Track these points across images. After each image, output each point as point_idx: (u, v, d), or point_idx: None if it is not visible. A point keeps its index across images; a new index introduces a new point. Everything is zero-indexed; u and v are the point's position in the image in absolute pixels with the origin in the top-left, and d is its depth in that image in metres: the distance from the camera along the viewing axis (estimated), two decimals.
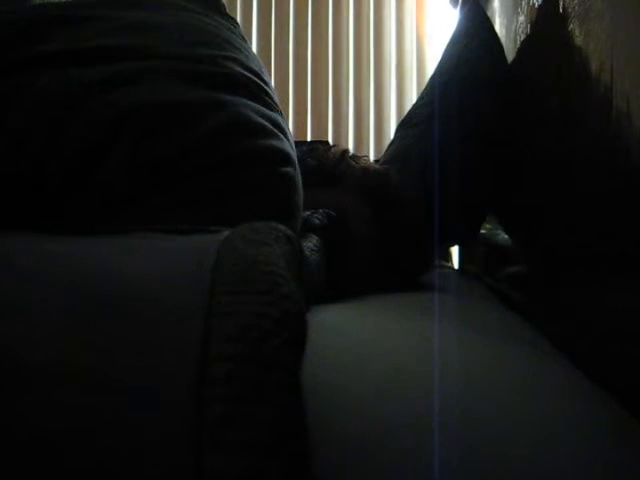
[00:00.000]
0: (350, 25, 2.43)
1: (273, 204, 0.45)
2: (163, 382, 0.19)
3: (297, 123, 2.39)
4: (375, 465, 0.26)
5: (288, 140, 0.48)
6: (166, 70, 0.45)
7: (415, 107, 1.04)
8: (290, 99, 2.41)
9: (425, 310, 0.60)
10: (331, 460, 0.25)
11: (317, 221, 0.66)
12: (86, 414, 0.17)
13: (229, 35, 0.52)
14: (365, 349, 0.40)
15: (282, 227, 0.27)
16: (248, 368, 0.19)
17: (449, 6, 1.71)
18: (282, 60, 2.42)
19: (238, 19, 2.37)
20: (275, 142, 0.45)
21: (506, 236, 0.95)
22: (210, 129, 0.42)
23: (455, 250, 1.50)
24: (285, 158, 0.46)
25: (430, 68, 2.20)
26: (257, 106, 0.46)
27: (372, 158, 1.14)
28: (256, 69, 0.50)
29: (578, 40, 0.57)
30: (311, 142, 0.88)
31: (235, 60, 0.49)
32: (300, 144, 0.77)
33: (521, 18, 0.85)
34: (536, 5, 0.76)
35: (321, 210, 0.68)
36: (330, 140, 2.26)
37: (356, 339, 0.43)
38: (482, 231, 1.06)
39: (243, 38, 0.55)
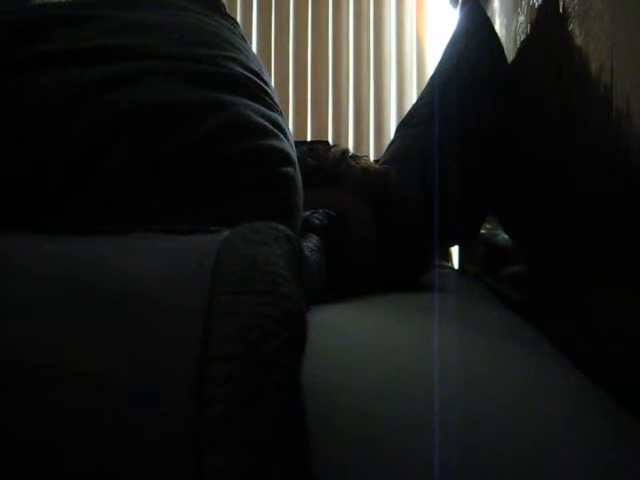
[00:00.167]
0: (350, 25, 2.43)
1: (273, 204, 0.45)
2: (163, 382, 0.19)
3: (297, 123, 2.38)
4: (375, 465, 0.26)
5: (288, 140, 0.48)
6: (166, 70, 0.45)
7: (415, 107, 1.04)
8: (290, 99, 2.41)
9: (425, 310, 0.60)
10: (331, 460, 0.25)
11: (317, 221, 0.66)
12: (86, 414, 0.17)
13: (229, 35, 0.52)
14: (365, 349, 0.40)
15: (282, 227, 0.27)
16: (248, 368, 0.19)
17: (449, 6, 1.71)
18: (282, 60, 2.42)
19: (238, 19, 2.37)
20: (275, 142, 0.45)
21: (506, 236, 0.95)
22: (210, 129, 0.42)
23: (455, 250, 1.50)
24: (285, 158, 0.46)
25: (430, 68, 2.20)
26: (257, 106, 0.46)
27: (372, 158, 1.14)
28: (256, 69, 0.50)
29: (578, 40, 0.57)
30: (311, 142, 0.88)
31: (235, 60, 0.49)
32: (300, 144, 0.77)
33: (521, 18, 0.85)
34: (536, 5, 0.76)
35: (321, 210, 0.68)
36: (330, 140, 2.26)
37: (356, 339, 0.43)
38: (482, 231, 1.06)
39: (243, 38, 0.55)
